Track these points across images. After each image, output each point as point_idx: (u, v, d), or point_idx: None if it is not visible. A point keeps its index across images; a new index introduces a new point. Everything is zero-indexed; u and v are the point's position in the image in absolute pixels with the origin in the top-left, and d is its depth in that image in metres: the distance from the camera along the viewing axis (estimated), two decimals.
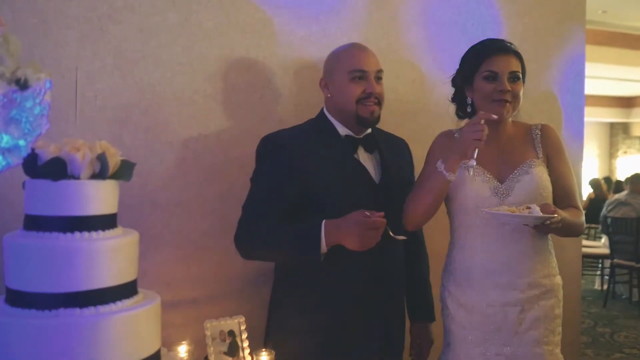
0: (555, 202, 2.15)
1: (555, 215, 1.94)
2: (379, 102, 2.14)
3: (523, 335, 2.10)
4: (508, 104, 2.10)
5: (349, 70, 2.11)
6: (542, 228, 2.00)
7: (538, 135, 2.20)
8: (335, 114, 2.18)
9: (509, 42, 2.16)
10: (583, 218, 2.19)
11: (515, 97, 2.11)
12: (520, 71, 2.12)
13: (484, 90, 2.11)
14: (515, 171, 2.13)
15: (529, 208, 1.96)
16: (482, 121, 1.95)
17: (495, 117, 1.97)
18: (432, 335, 2.39)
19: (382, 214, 1.90)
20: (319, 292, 2.07)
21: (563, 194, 2.17)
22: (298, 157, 2.07)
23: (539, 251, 2.15)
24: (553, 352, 2.14)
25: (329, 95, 2.18)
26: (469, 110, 2.19)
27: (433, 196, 2.08)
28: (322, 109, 2.24)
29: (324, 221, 1.95)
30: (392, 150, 2.26)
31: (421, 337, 2.38)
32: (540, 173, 2.13)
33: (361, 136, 2.18)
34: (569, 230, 2.15)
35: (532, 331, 2.11)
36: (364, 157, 2.17)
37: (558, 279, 2.20)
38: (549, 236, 2.20)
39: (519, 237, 2.09)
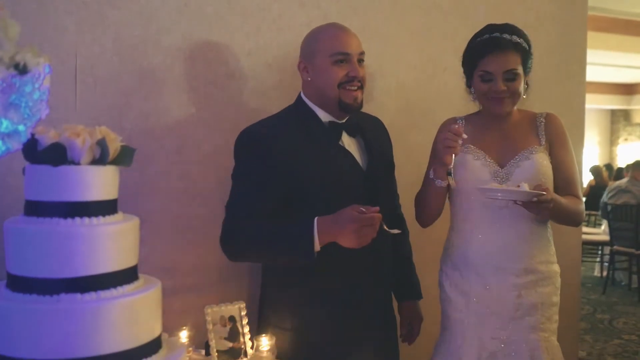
0: (556, 190, 2.16)
1: (545, 193, 1.93)
2: (362, 86, 2.07)
3: (519, 320, 2.12)
4: (506, 100, 2.11)
5: (332, 53, 2.02)
6: (532, 207, 1.97)
7: (542, 123, 2.20)
8: (315, 99, 2.09)
9: (509, 33, 2.09)
10: (582, 207, 2.18)
11: (513, 94, 2.10)
12: (519, 66, 2.09)
13: (480, 90, 2.13)
14: (517, 157, 2.14)
15: (519, 187, 1.97)
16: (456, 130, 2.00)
17: (465, 136, 2.01)
18: (421, 312, 2.38)
19: (377, 208, 1.83)
20: (311, 288, 2.03)
21: (564, 183, 2.17)
22: (281, 149, 1.99)
23: (537, 237, 2.16)
24: (549, 339, 2.15)
25: (308, 79, 2.08)
26: (473, 99, 2.22)
27: (434, 200, 2.18)
28: (299, 95, 2.15)
29: (316, 219, 1.87)
30: (372, 132, 2.20)
31: (411, 316, 2.36)
32: (540, 160, 2.13)
33: (343, 121, 2.11)
34: (566, 217, 2.16)
35: (529, 317, 2.12)
36: (348, 143, 2.10)
37: (556, 267, 2.21)
38: (549, 224, 2.21)
39: (516, 222, 2.09)
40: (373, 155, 2.13)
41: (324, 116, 2.09)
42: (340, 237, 1.84)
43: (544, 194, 1.93)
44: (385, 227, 1.88)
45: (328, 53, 2.02)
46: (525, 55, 2.11)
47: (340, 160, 2.06)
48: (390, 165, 2.26)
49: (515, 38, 2.09)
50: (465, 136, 2.00)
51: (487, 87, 2.10)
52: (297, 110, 2.12)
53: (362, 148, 2.14)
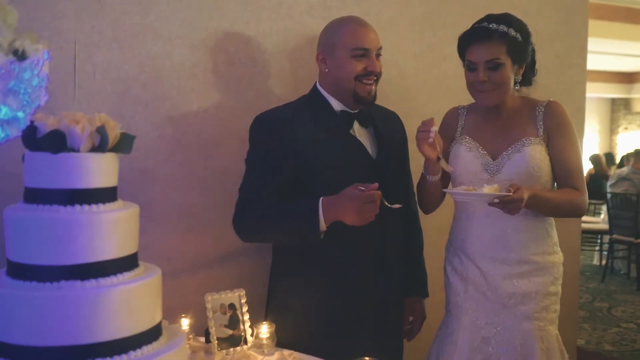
0: (556, 181, 2.15)
1: (509, 194, 1.89)
2: (377, 80, 2.12)
3: (512, 308, 2.13)
4: (489, 92, 2.10)
5: (352, 47, 2.06)
6: (500, 207, 1.94)
7: (541, 113, 2.17)
8: (330, 90, 2.14)
9: (497, 22, 2.06)
10: (581, 199, 2.13)
11: (497, 85, 2.08)
12: (504, 55, 2.05)
13: (467, 79, 2.14)
14: (509, 149, 2.13)
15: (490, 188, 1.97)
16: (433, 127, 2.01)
17: (436, 128, 2.00)
18: (424, 311, 2.40)
19: (376, 185, 1.88)
20: (319, 269, 2.08)
21: (563, 173, 2.14)
22: (293, 135, 2.04)
23: (532, 229, 2.15)
24: (544, 329, 2.15)
25: (326, 71, 2.13)
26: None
27: (429, 192, 2.21)
28: (314, 84, 2.20)
29: (321, 199, 1.93)
30: (387, 124, 2.24)
31: (414, 313, 2.38)
32: (533, 152, 2.10)
33: (356, 111, 2.16)
34: (556, 211, 2.15)
35: (522, 306, 2.13)
36: (359, 133, 2.15)
37: (556, 257, 2.20)
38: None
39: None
40: (384, 146, 2.17)
41: (337, 105, 2.14)
42: (344, 215, 1.90)
43: (508, 195, 1.90)
44: (386, 202, 1.93)
45: (348, 47, 2.07)
46: (514, 45, 2.07)
47: (349, 148, 2.11)
48: (403, 158, 2.30)
49: (502, 27, 2.06)
50: (435, 128, 2.01)
51: (472, 78, 2.11)
52: (311, 99, 2.18)
53: (373, 138, 2.18)
